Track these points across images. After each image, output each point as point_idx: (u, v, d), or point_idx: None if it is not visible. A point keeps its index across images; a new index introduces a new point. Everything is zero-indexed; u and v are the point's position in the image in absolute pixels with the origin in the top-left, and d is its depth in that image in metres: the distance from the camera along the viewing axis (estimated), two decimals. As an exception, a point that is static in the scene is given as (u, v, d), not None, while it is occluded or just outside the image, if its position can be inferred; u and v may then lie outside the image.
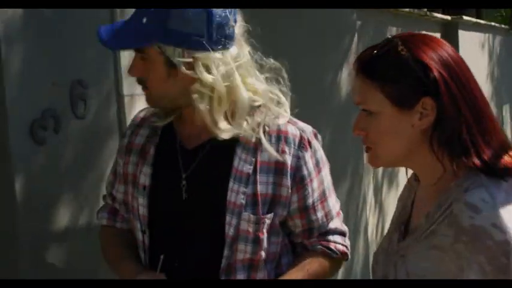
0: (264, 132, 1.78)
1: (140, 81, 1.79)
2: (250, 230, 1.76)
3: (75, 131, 2.23)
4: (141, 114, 1.92)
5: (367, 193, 5.07)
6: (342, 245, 1.90)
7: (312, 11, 4.23)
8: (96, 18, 2.28)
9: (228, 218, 1.75)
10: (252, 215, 1.75)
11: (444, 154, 1.39)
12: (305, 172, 1.80)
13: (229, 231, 1.75)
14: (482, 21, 8.83)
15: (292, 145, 1.80)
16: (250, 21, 1.80)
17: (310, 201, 1.82)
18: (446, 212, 1.36)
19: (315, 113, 4.41)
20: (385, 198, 5.63)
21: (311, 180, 1.82)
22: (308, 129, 1.86)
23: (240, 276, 1.77)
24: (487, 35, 8.91)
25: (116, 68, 2.42)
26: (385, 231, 5.17)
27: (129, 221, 1.90)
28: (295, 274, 1.83)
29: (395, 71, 1.38)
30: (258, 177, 1.77)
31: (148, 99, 1.80)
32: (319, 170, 1.85)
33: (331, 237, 1.88)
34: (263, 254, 1.79)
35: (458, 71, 1.39)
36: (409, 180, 1.62)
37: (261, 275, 1.80)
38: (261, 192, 1.77)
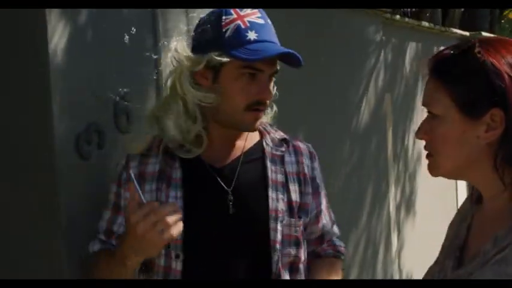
0: (286, 146, 1.95)
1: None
2: (292, 233, 1.89)
3: (119, 145, 2.20)
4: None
5: (390, 215, 5.03)
6: (343, 246, 2.10)
7: (338, 25, 4.22)
8: (140, 31, 2.27)
9: (272, 225, 1.85)
10: (292, 219, 1.89)
11: (507, 172, 1.28)
12: (318, 181, 2.00)
13: (276, 237, 1.85)
14: (499, 37, 8.81)
15: (307, 157, 1.98)
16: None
17: (323, 207, 2.01)
18: None
19: (339, 131, 4.40)
20: (403, 221, 5.60)
21: (322, 188, 2.01)
22: (309, 145, 2.04)
23: (285, 278, 1.87)
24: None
25: (157, 82, 2.40)
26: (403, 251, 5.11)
27: None
28: (326, 276, 1.97)
29: (467, 75, 1.29)
30: (289, 186, 1.91)
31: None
32: (322, 181, 2.03)
33: (336, 242, 2.07)
34: (302, 257, 1.92)
35: None
36: (463, 206, 1.52)
37: (299, 276, 1.91)
38: (294, 200, 1.91)
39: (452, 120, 1.31)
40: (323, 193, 2.02)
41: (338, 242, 2.09)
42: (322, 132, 3.97)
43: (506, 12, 16.64)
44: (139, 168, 1.88)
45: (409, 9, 9.54)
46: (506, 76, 1.25)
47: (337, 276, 2.02)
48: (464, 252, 1.39)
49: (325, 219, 2.03)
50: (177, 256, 1.82)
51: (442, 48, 4.60)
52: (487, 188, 1.35)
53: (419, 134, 1.39)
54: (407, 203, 5.59)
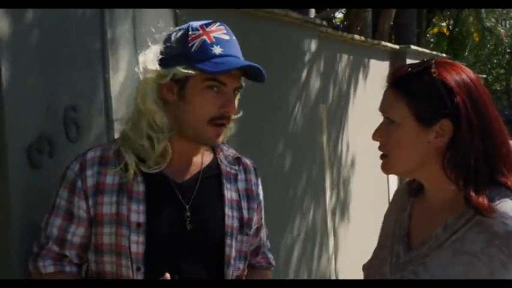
0: (239, 164, 2.02)
1: None
2: (243, 249, 1.98)
3: (69, 155, 2.23)
4: (95, 154, 1.92)
5: (327, 213, 5.15)
6: (273, 258, 2.21)
7: (276, 37, 4.33)
8: (90, 44, 2.31)
9: (228, 241, 1.93)
10: (243, 236, 1.98)
11: (453, 173, 1.51)
12: (261, 197, 2.09)
13: (230, 252, 1.93)
14: (427, 51, 9.14)
15: (253, 174, 2.07)
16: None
17: (262, 221, 2.11)
18: (471, 220, 1.48)
19: (276, 139, 4.50)
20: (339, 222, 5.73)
21: (263, 204, 2.10)
22: (252, 161, 2.10)
23: None
24: (431, 63, 9.20)
25: (105, 93, 2.44)
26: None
27: (78, 265, 1.92)
28: None
29: (423, 90, 1.51)
30: (241, 203, 1.99)
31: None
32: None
33: (269, 254, 2.19)
34: (246, 269, 2.01)
35: (479, 98, 1.52)
36: (398, 198, 1.74)
37: None
38: (245, 216, 1.99)
39: (408, 126, 1.53)
40: (262, 207, 2.11)
41: (269, 255, 2.20)
42: (259, 141, 4.05)
43: (433, 29, 17.19)
44: (97, 178, 1.88)
45: (340, 23, 9.77)
46: (455, 94, 1.49)
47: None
48: (410, 238, 1.61)
49: (263, 232, 2.13)
50: (137, 269, 1.85)
51: (373, 60, 4.80)
52: (434, 183, 1.58)
53: (376, 136, 1.59)
54: (342, 208, 5.74)
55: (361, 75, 6.26)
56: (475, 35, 16.79)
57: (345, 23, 8.47)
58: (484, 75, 19.35)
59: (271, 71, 4.22)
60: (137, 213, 1.85)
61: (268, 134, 4.23)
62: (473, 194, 1.47)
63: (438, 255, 1.51)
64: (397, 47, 7.63)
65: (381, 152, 1.60)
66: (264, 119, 4.15)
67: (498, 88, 32.33)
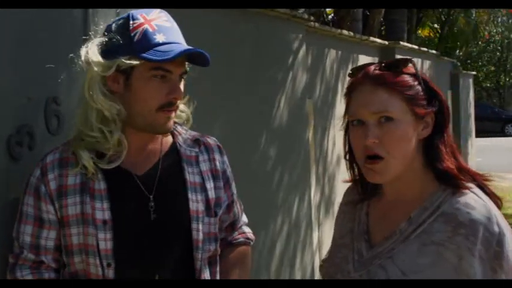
0: (198, 146, 2.02)
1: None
2: (212, 231, 1.98)
3: (49, 147, 2.23)
4: (54, 157, 1.93)
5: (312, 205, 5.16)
6: (252, 233, 2.21)
7: (264, 32, 4.32)
8: (71, 36, 2.30)
9: (194, 225, 1.94)
10: (211, 218, 1.98)
11: (434, 161, 1.60)
12: (228, 173, 2.09)
13: (198, 236, 1.94)
14: (416, 47, 9.16)
15: (217, 152, 2.07)
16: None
17: (234, 197, 2.11)
18: (435, 213, 1.56)
19: (263, 133, 4.50)
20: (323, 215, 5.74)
21: (232, 180, 2.10)
22: (215, 138, 2.11)
23: (206, 272, 1.97)
24: (420, 59, 9.24)
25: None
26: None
27: (56, 270, 1.92)
28: (240, 271, 2.09)
29: (414, 85, 1.60)
30: (206, 185, 2.00)
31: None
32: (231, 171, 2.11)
33: (245, 229, 2.19)
34: (218, 249, 2.03)
35: (440, 93, 1.66)
36: (350, 198, 1.78)
37: (217, 269, 2.02)
38: (211, 197, 2.00)
39: (407, 121, 1.59)
40: (233, 184, 2.11)
41: (247, 229, 2.19)
42: (246, 135, 4.06)
43: (424, 30, 17.22)
44: (59, 180, 1.89)
45: (330, 18, 9.76)
46: (433, 85, 1.62)
47: (248, 263, 2.14)
48: (370, 236, 1.66)
49: (236, 208, 2.13)
50: (108, 265, 1.86)
51: (362, 55, 4.82)
52: (405, 183, 1.63)
53: (372, 138, 1.59)
54: (327, 203, 5.76)
55: (349, 71, 6.26)
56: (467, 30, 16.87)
57: (335, 18, 8.47)
58: (475, 73, 19.42)
59: (257, 65, 4.26)
60: (102, 211, 1.86)
61: (253, 127, 4.23)
62: (453, 169, 1.58)
63: (405, 248, 1.56)
64: (386, 42, 7.65)
65: (375, 156, 1.60)
66: (249, 113, 4.15)
67: (488, 85, 32.43)
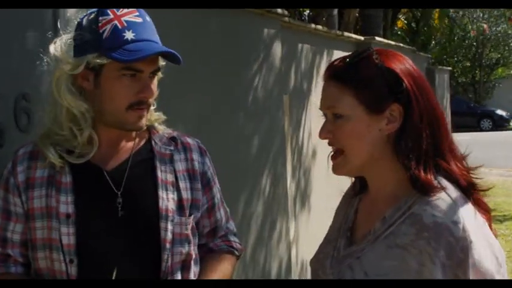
0: (174, 144, 1.97)
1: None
2: (183, 231, 1.91)
3: (19, 144, 2.21)
4: (26, 149, 1.91)
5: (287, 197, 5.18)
6: (239, 243, 2.11)
7: (240, 27, 4.32)
8: (42, 33, 2.28)
9: (162, 224, 1.88)
10: (182, 218, 1.91)
11: (405, 157, 1.50)
12: (210, 175, 2.02)
13: (166, 236, 1.87)
14: (392, 42, 9.21)
15: (197, 153, 2.00)
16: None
17: (215, 201, 2.03)
18: (406, 213, 1.47)
19: (238, 129, 4.50)
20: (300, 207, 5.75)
21: (214, 183, 2.04)
22: (198, 140, 2.05)
23: (177, 277, 1.89)
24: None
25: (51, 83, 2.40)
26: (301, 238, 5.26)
27: (24, 264, 1.89)
28: (211, 275, 1.97)
29: (369, 77, 1.50)
30: (179, 184, 1.93)
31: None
32: (215, 175, 2.05)
33: (231, 237, 2.09)
34: (193, 253, 1.94)
35: (423, 84, 1.53)
36: (347, 193, 1.73)
37: (191, 275, 1.94)
38: (185, 198, 1.93)
39: (358, 117, 1.51)
40: (216, 188, 2.04)
41: (233, 238, 2.10)
42: (218, 131, 4.05)
43: (399, 23, 17.32)
44: (27, 173, 1.87)
45: (306, 13, 9.77)
46: (401, 76, 1.50)
47: (228, 271, 2.03)
48: (353, 233, 1.60)
49: (219, 214, 2.05)
50: (71, 261, 1.83)
51: (337, 51, 4.82)
52: (381, 179, 1.56)
53: (323, 134, 1.56)
54: (303, 197, 5.77)
55: (324, 66, 6.28)
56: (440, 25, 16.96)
57: (311, 13, 8.48)
58: (450, 68, 19.55)
59: (232, 60, 4.25)
60: (66, 204, 1.84)
61: (227, 124, 4.23)
62: (423, 174, 1.46)
63: (373, 249, 1.50)
64: (362, 38, 7.68)
65: (334, 151, 1.57)
66: (223, 108, 4.15)
67: (464, 80, 32.70)
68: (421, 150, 1.48)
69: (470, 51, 31.98)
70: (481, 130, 26.45)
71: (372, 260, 1.49)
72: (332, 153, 1.57)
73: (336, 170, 1.58)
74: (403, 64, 1.52)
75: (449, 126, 1.59)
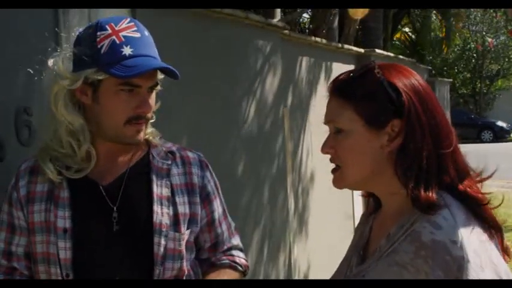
0: (172, 158, 1.96)
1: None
2: (176, 247, 1.90)
3: (20, 158, 2.21)
4: (28, 164, 1.93)
5: (290, 210, 5.17)
6: (244, 259, 2.08)
7: (240, 40, 4.33)
8: (44, 46, 2.29)
9: (156, 239, 1.88)
10: (176, 233, 1.90)
11: (404, 175, 1.46)
12: (210, 189, 2.00)
13: (159, 250, 1.87)
14: (392, 54, 9.23)
15: (196, 166, 1.99)
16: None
17: (216, 215, 2.01)
18: (408, 230, 1.43)
19: (238, 143, 4.50)
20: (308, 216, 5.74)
21: (215, 197, 2.01)
22: (200, 154, 2.04)
23: None
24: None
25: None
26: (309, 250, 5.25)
27: (30, 277, 1.90)
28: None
29: (369, 91, 1.47)
30: (176, 199, 1.92)
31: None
32: (218, 189, 2.03)
33: (234, 252, 2.06)
34: (185, 269, 1.92)
35: (427, 98, 1.48)
36: (364, 213, 1.70)
37: None
38: (181, 212, 1.92)
39: (358, 132, 1.48)
40: (217, 202, 2.02)
41: (237, 253, 2.07)
42: (218, 144, 4.05)
43: (398, 33, 17.39)
44: (28, 187, 1.89)
45: (306, 26, 9.80)
46: (402, 92, 1.46)
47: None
48: (366, 250, 1.58)
49: (220, 228, 2.03)
50: (67, 275, 1.85)
51: (337, 63, 4.83)
52: (386, 194, 1.53)
53: (325, 149, 1.53)
54: (303, 213, 5.76)
55: (324, 79, 6.29)
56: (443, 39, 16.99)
57: (311, 26, 8.50)
58: (451, 80, 19.58)
59: (231, 72, 4.26)
60: (63, 219, 1.86)
61: (226, 136, 4.23)
62: (423, 193, 1.42)
63: (375, 268, 1.47)
64: (362, 50, 7.69)
65: (333, 166, 1.55)
66: (222, 122, 4.15)
67: (465, 92, 32.73)
68: (422, 168, 1.44)
69: (471, 62, 32.04)
70: (482, 142, 26.43)
71: (373, 277, 1.46)
72: (333, 166, 1.56)
73: (335, 183, 1.56)
74: (408, 79, 1.48)
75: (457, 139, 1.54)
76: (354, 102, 1.48)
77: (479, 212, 1.46)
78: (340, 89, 1.51)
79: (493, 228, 1.47)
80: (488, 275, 1.38)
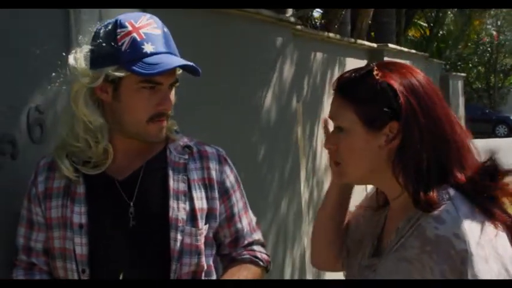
0: (189, 153, 1.95)
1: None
2: (193, 242, 1.88)
3: (32, 156, 2.21)
4: (46, 160, 1.94)
5: (302, 201, 5.16)
6: (266, 254, 2.05)
7: (251, 36, 4.32)
8: (53, 44, 2.29)
9: (172, 234, 1.86)
10: (193, 228, 1.88)
11: (403, 177, 1.48)
12: (228, 184, 1.98)
13: (175, 246, 1.86)
14: (405, 49, 9.19)
15: (215, 161, 1.97)
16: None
17: (235, 210, 1.99)
18: (414, 225, 1.46)
19: (252, 136, 4.50)
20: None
21: (234, 192, 1.99)
22: (219, 148, 2.03)
23: None
24: (409, 61, 9.26)
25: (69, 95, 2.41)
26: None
27: (48, 272, 1.91)
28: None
29: (368, 94, 1.49)
30: (193, 193, 1.91)
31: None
32: (238, 184, 2.02)
33: (255, 247, 2.03)
34: (204, 265, 1.90)
35: (427, 98, 1.49)
36: (366, 206, 1.72)
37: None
38: (198, 207, 1.90)
39: (357, 132, 1.51)
40: (236, 196, 2.00)
41: (258, 248, 2.04)
42: (233, 139, 4.04)
43: (412, 31, 17.31)
44: (46, 183, 1.90)
45: (318, 21, 9.77)
46: (400, 94, 1.47)
47: (248, 278, 1.97)
48: (381, 241, 1.59)
49: (240, 223, 2.00)
50: (83, 271, 1.85)
51: (350, 58, 4.81)
52: (390, 190, 1.56)
53: (327, 144, 1.57)
54: (317, 205, 5.75)
55: (337, 74, 6.27)
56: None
57: (323, 21, 8.47)
58: (464, 74, 19.47)
59: (243, 69, 4.25)
60: (79, 215, 1.86)
61: (240, 132, 4.22)
62: (422, 194, 1.44)
63: (385, 263, 1.49)
64: (375, 45, 7.67)
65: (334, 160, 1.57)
66: (236, 116, 4.15)
67: (479, 86, 32.56)
68: (421, 170, 1.46)
69: (485, 56, 31.85)
70: (496, 136, 26.26)
71: (383, 274, 1.49)
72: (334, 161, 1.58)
73: (336, 177, 1.61)
74: (408, 79, 1.50)
75: (468, 136, 1.53)
76: (354, 103, 1.50)
77: (485, 205, 1.46)
78: (342, 89, 1.54)
79: (502, 221, 1.47)
80: (493, 266, 1.40)
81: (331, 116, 1.56)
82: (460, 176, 1.48)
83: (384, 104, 1.47)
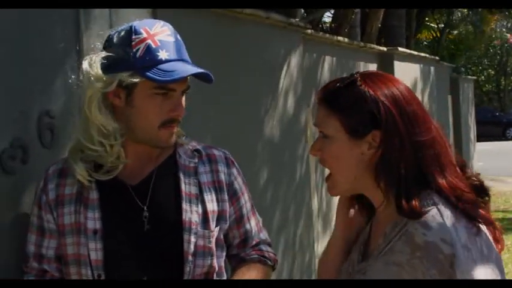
0: (198, 156, 1.99)
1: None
2: (206, 244, 1.92)
3: (43, 161, 2.22)
4: (56, 167, 1.95)
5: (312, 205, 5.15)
6: (273, 253, 2.09)
7: (261, 40, 4.32)
8: (63, 49, 2.30)
9: (185, 236, 1.89)
10: (205, 230, 1.92)
11: (384, 183, 1.54)
12: (237, 186, 2.02)
13: (189, 248, 1.89)
14: (415, 53, 9.17)
15: (223, 164, 2.01)
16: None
17: (244, 211, 2.03)
18: (402, 230, 1.51)
19: (261, 141, 4.49)
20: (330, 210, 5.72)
21: (242, 193, 2.04)
22: (225, 151, 2.07)
23: None
24: (419, 64, 9.24)
25: (80, 100, 2.42)
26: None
27: (60, 279, 1.92)
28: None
29: (351, 103, 1.55)
30: (204, 196, 1.94)
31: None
32: (245, 185, 2.06)
33: (263, 247, 2.07)
34: (216, 266, 1.94)
35: (407, 108, 1.55)
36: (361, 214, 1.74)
37: None
38: (210, 210, 1.94)
39: (341, 140, 1.57)
40: (245, 198, 2.04)
41: (266, 248, 2.08)
42: (241, 144, 4.05)
43: (423, 34, 17.27)
44: (57, 190, 1.92)
45: (328, 25, 9.76)
46: (381, 104, 1.53)
47: (257, 277, 2.00)
48: (368, 247, 1.64)
49: (249, 224, 2.04)
50: (98, 276, 1.86)
51: (360, 62, 4.83)
52: (375, 197, 1.61)
53: (312, 151, 1.63)
54: (327, 212, 5.74)
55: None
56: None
57: (333, 25, 8.47)
58: (474, 77, 19.42)
59: (254, 73, 4.25)
60: (93, 220, 1.87)
61: (249, 137, 4.22)
62: (404, 202, 1.50)
63: (373, 267, 1.54)
64: (385, 49, 7.66)
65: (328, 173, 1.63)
66: (245, 122, 4.15)
67: (489, 89, 32.46)
68: (401, 179, 1.51)
69: (495, 59, 31.75)
70: (507, 139, 26.16)
71: (373, 276, 1.53)
72: (328, 174, 1.64)
73: (329, 191, 1.65)
74: (389, 89, 1.55)
75: (449, 145, 1.60)
76: (338, 112, 1.56)
77: (468, 208, 1.51)
78: (326, 98, 1.59)
79: (485, 222, 1.52)
80: (480, 267, 1.46)
81: (316, 124, 1.62)
82: (442, 182, 1.53)
83: (365, 113, 1.53)
